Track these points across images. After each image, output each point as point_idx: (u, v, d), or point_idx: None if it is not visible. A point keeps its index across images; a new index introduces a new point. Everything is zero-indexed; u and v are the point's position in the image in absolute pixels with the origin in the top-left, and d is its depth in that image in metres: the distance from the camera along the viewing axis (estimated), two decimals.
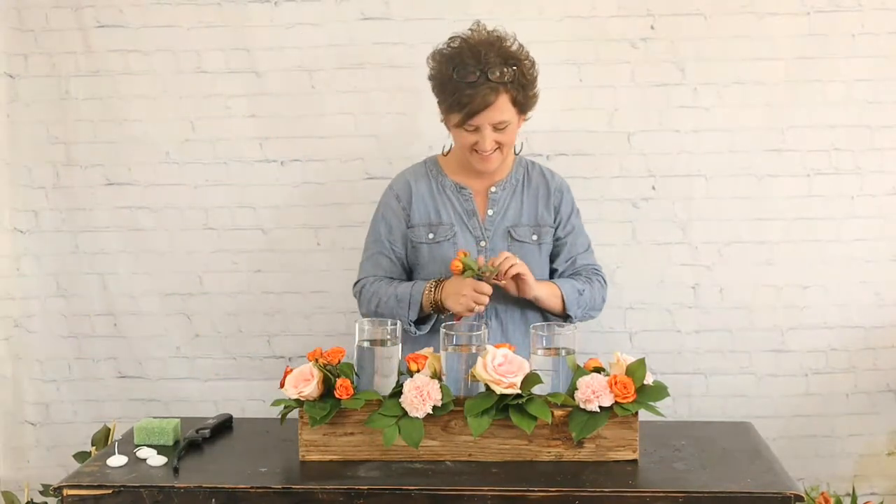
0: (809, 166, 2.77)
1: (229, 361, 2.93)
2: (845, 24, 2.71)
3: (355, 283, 2.36)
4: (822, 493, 2.50)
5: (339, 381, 1.85)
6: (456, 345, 1.89)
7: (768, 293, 2.82)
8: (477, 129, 2.15)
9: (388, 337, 1.93)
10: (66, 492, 1.78)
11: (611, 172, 2.80)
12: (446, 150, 2.35)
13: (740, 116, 2.76)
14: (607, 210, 2.81)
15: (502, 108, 2.13)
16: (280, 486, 1.76)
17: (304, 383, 1.87)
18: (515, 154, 2.35)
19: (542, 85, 2.75)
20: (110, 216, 2.88)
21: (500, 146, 2.19)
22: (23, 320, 2.92)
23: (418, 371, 1.89)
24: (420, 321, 2.25)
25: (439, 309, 2.19)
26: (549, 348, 1.90)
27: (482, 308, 2.14)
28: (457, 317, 2.16)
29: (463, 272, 2.10)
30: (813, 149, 2.77)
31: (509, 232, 2.28)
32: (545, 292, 2.22)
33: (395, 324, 1.94)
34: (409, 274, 2.35)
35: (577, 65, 2.77)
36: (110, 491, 1.78)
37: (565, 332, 1.92)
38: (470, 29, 2.20)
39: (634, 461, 1.86)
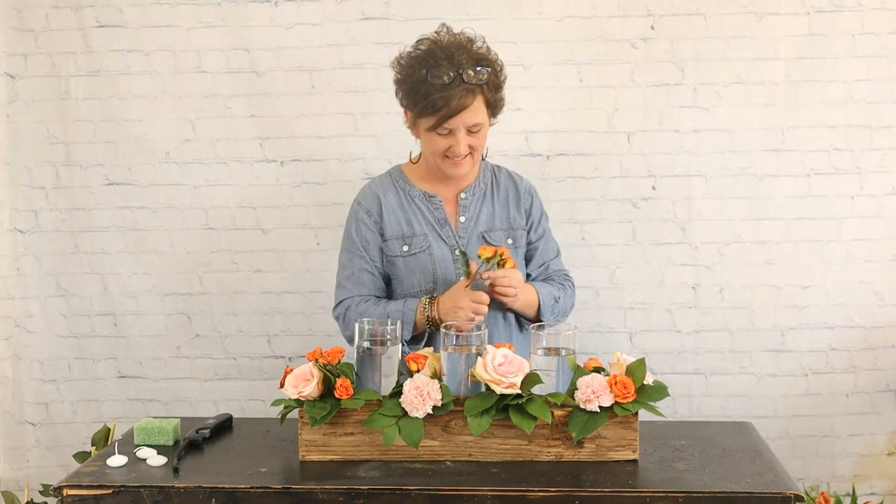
0: (809, 166, 2.78)
1: (229, 361, 2.93)
2: (845, 24, 2.71)
3: (336, 306, 2.27)
4: (822, 493, 2.50)
5: (339, 381, 1.85)
6: (456, 345, 1.89)
7: (768, 293, 2.82)
8: (451, 133, 2.10)
9: (388, 337, 1.93)
10: (66, 492, 1.78)
11: (611, 172, 2.80)
12: (414, 157, 2.29)
13: (740, 116, 2.76)
14: (607, 210, 2.81)
15: (477, 110, 2.09)
16: (280, 486, 1.76)
17: (304, 383, 1.87)
18: (483, 158, 2.28)
19: (543, 85, 2.79)
20: (110, 216, 2.88)
21: (472, 150, 2.14)
22: (23, 320, 2.92)
23: (418, 371, 1.89)
24: (413, 339, 2.20)
25: (434, 325, 2.13)
26: (549, 348, 1.90)
27: (482, 318, 2.09)
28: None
29: (466, 273, 2.08)
30: (813, 149, 2.77)
31: (484, 237, 2.24)
32: (522, 302, 2.17)
33: (395, 324, 1.94)
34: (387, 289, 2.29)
35: (577, 65, 2.77)
36: (110, 491, 1.78)
37: (565, 332, 1.92)
38: (436, 31, 2.16)
39: (634, 461, 1.86)
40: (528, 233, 2.30)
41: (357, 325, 1.93)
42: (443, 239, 2.23)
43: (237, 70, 2.81)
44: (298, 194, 2.86)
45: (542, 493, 1.72)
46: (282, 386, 1.90)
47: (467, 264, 2.10)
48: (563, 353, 1.89)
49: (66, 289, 2.92)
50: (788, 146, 2.77)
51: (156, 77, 2.83)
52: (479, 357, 1.85)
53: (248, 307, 2.91)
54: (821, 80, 2.74)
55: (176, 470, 1.85)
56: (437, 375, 1.88)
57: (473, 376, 1.85)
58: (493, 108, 2.16)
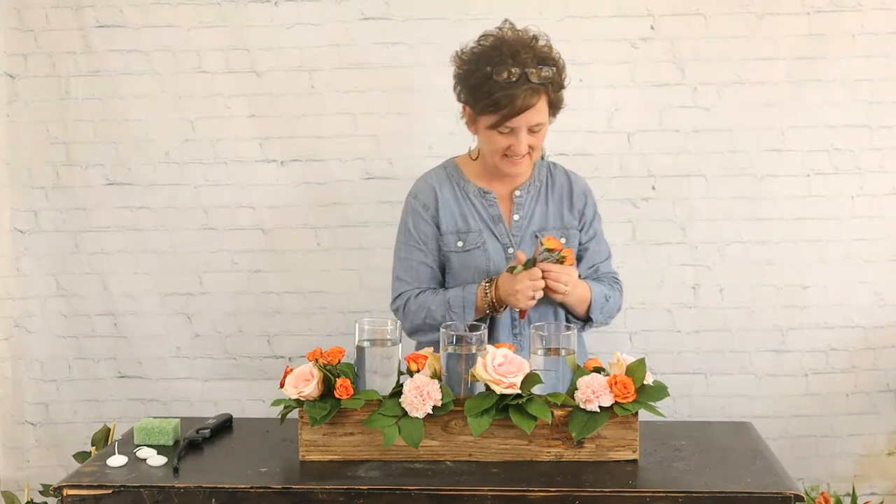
0: (809, 166, 2.77)
1: (229, 361, 2.93)
2: (845, 24, 2.71)
3: (395, 299, 2.26)
4: (822, 493, 2.50)
5: (339, 381, 1.85)
6: (456, 345, 1.89)
7: (768, 293, 2.82)
8: (512, 132, 2.07)
9: (388, 337, 1.93)
10: (66, 492, 1.78)
11: (611, 172, 2.80)
12: (473, 154, 2.25)
13: (740, 116, 2.76)
14: (607, 210, 2.79)
15: (540, 109, 2.07)
16: (280, 486, 1.76)
17: (304, 383, 1.87)
18: (542, 157, 2.26)
19: None
20: (110, 216, 2.88)
21: (531, 150, 2.12)
22: (23, 320, 2.92)
23: (418, 371, 1.89)
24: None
25: (495, 308, 2.13)
26: (549, 348, 1.90)
27: (540, 294, 2.07)
28: (521, 313, 2.14)
29: (513, 269, 2.08)
30: (813, 149, 2.77)
31: (537, 236, 2.20)
32: (574, 297, 2.16)
33: (395, 323, 1.94)
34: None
35: (577, 65, 2.76)
36: (110, 491, 1.78)
37: (565, 332, 1.92)
38: (499, 28, 2.13)
39: (634, 461, 1.86)
40: (580, 233, 2.27)
41: (357, 325, 1.93)
42: (496, 236, 2.22)
43: (237, 70, 2.81)
44: (298, 194, 2.86)
45: (542, 493, 1.72)
46: (282, 386, 1.90)
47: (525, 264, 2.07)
48: (563, 353, 1.89)
49: (66, 289, 2.92)
50: (788, 146, 2.77)
51: (156, 77, 2.83)
52: (479, 357, 1.85)
53: (248, 307, 2.90)
54: (821, 80, 2.74)
55: (176, 470, 1.85)
56: (437, 375, 1.88)
57: (473, 376, 1.85)
58: (555, 107, 2.13)
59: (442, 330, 1.90)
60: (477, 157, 2.24)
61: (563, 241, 2.20)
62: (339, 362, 1.90)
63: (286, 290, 2.89)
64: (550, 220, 2.24)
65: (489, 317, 2.19)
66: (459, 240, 2.21)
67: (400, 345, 1.94)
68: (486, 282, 2.15)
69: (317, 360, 1.88)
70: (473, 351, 1.88)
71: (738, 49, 2.74)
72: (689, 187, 2.80)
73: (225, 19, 2.80)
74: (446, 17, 2.73)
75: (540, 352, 1.90)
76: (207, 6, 2.79)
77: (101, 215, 2.88)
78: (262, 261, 2.89)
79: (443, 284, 2.27)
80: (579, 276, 2.25)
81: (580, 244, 2.27)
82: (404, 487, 1.75)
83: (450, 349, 1.89)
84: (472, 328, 1.90)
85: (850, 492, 2.73)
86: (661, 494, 1.72)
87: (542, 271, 2.06)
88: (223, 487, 1.76)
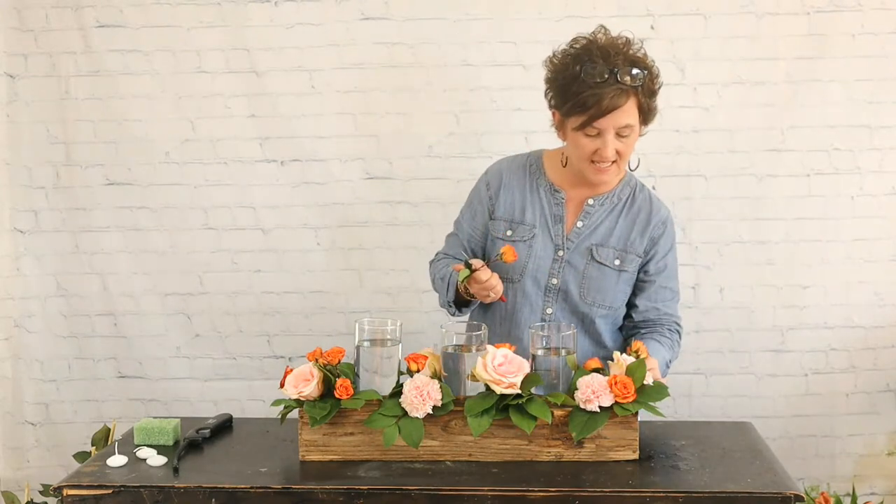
0: (809, 166, 2.77)
1: (229, 361, 2.93)
2: (845, 24, 2.71)
3: (436, 255, 2.31)
4: (822, 493, 2.50)
5: (339, 381, 1.85)
6: (456, 345, 1.89)
7: (768, 293, 2.82)
8: (599, 135, 2.01)
9: (388, 337, 1.93)
10: (66, 492, 1.78)
11: None
12: (563, 160, 2.16)
13: (740, 116, 2.76)
14: None
15: (629, 112, 2.00)
16: (280, 486, 1.76)
17: (304, 383, 1.87)
18: (631, 169, 2.19)
19: (542, 85, 2.77)
20: (110, 216, 2.88)
21: (619, 157, 2.04)
22: (23, 320, 2.92)
23: (418, 371, 1.89)
24: (464, 304, 2.17)
25: (471, 296, 2.10)
26: (549, 348, 1.90)
27: (497, 292, 2.05)
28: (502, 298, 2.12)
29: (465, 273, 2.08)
30: (813, 149, 2.77)
31: (591, 250, 2.13)
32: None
33: (395, 323, 1.94)
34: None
35: None
36: (110, 491, 1.78)
37: (565, 332, 1.92)
38: (593, 32, 2.09)
39: (634, 461, 1.86)
40: (648, 263, 2.16)
41: (357, 325, 1.94)
42: (550, 236, 2.16)
43: (237, 70, 2.81)
44: (298, 194, 2.86)
45: (542, 493, 1.72)
46: (282, 386, 1.90)
47: (469, 266, 2.08)
48: (563, 353, 1.89)
49: (66, 289, 2.92)
50: (788, 146, 2.77)
51: (156, 77, 2.82)
52: (479, 357, 1.85)
53: (248, 307, 2.90)
54: (821, 80, 2.74)
55: (176, 470, 1.85)
56: (437, 375, 1.89)
57: (473, 376, 1.85)
58: (646, 114, 2.06)
59: (442, 330, 1.90)
60: (566, 165, 2.16)
61: (615, 263, 2.15)
62: (339, 362, 1.90)
63: (286, 290, 2.90)
64: (614, 238, 2.15)
65: (474, 303, 2.18)
66: (509, 229, 2.17)
67: (400, 345, 1.94)
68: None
69: (317, 360, 1.89)
70: (473, 351, 1.88)
71: (738, 49, 2.74)
72: (689, 187, 2.80)
73: (225, 19, 2.80)
74: (446, 17, 2.73)
75: (540, 352, 1.90)
76: (207, 6, 2.79)
77: (101, 215, 2.88)
78: (262, 261, 2.89)
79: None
80: (634, 306, 2.19)
81: (646, 273, 2.17)
82: (404, 487, 1.75)
83: (450, 349, 1.89)
84: (473, 328, 1.91)
85: (850, 492, 2.73)
86: (661, 494, 1.72)
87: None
88: (223, 487, 1.76)
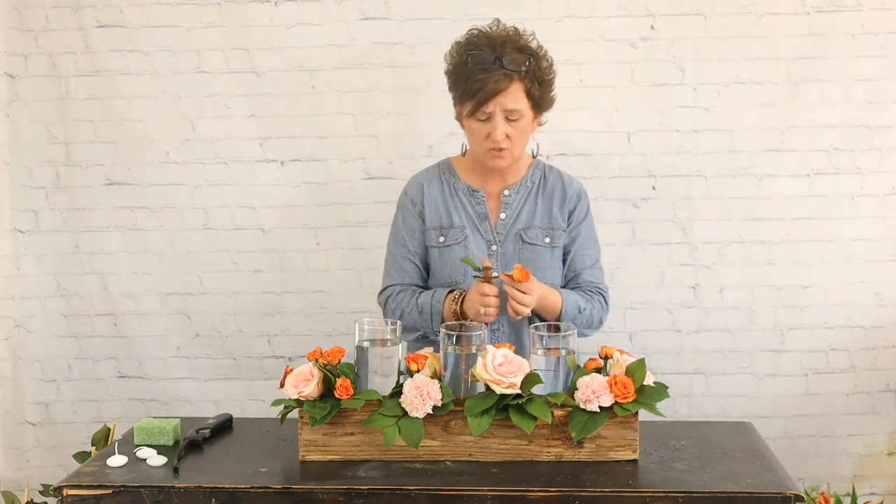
0: (809, 166, 2.77)
1: (229, 361, 2.93)
2: (845, 24, 2.71)
3: (381, 292, 2.32)
4: (822, 493, 2.50)
5: (339, 381, 1.85)
6: (456, 345, 1.89)
7: (768, 293, 2.82)
8: (489, 119, 2.11)
9: (388, 337, 1.93)
10: (66, 492, 1.78)
11: (611, 172, 2.80)
12: (464, 149, 2.29)
13: (740, 116, 2.76)
14: (607, 210, 2.81)
15: (515, 95, 2.10)
16: (280, 486, 1.76)
17: (304, 383, 1.87)
18: (534, 157, 2.31)
19: None
20: (110, 216, 2.88)
21: (511, 141, 2.13)
22: (23, 320, 2.92)
23: (418, 371, 1.89)
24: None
25: (461, 318, 2.13)
26: (549, 348, 1.90)
27: (492, 311, 2.08)
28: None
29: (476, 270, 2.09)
30: (813, 149, 2.77)
31: (520, 235, 2.23)
32: (543, 306, 2.15)
33: (395, 324, 1.94)
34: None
35: (577, 65, 2.77)
36: (110, 491, 1.78)
37: (565, 332, 1.92)
38: (489, 25, 2.18)
39: (634, 461, 1.86)
40: (566, 233, 2.27)
41: (357, 325, 1.94)
42: (480, 234, 2.24)
43: (237, 70, 2.81)
44: (298, 194, 2.86)
45: (542, 493, 1.72)
46: (282, 386, 1.90)
47: (477, 268, 2.09)
48: (563, 353, 1.89)
49: (66, 289, 2.92)
50: (788, 146, 2.77)
51: (156, 77, 2.83)
52: (479, 357, 1.85)
53: (248, 307, 2.90)
54: (821, 80, 2.74)
55: (176, 470, 1.85)
56: (437, 375, 1.88)
57: (473, 376, 1.85)
58: (537, 101, 2.15)
59: (442, 330, 1.90)
60: (465, 153, 2.28)
61: (545, 241, 2.23)
62: (339, 362, 1.90)
63: (286, 290, 2.89)
64: (537, 219, 2.25)
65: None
66: (441, 235, 2.25)
67: (400, 345, 1.94)
68: (459, 293, 2.17)
69: (317, 360, 1.89)
70: (473, 351, 1.88)
71: (738, 49, 2.74)
72: (689, 187, 2.80)
73: (225, 19, 2.80)
74: (446, 17, 2.73)
75: (540, 352, 1.90)
76: (207, 6, 2.79)
77: (101, 215, 2.88)
78: (262, 261, 2.89)
79: (427, 281, 2.30)
80: (562, 285, 2.27)
81: (564, 245, 2.28)
82: (404, 487, 1.75)
83: (450, 349, 1.89)
84: (472, 328, 1.90)
85: (850, 492, 2.73)
86: (661, 494, 1.72)
87: (508, 293, 2.07)
88: (223, 487, 1.76)
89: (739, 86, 2.75)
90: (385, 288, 2.31)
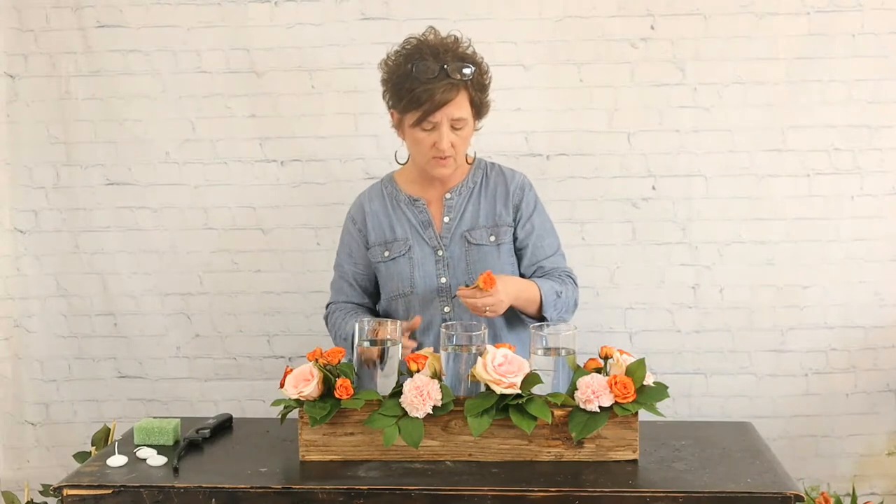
0: (809, 166, 2.77)
1: (229, 361, 2.93)
2: (845, 24, 2.71)
3: (326, 306, 2.38)
4: (822, 493, 2.50)
5: (339, 381, 1.85)
6: (456, 345, 1.89)
7: (768, 293, 2.82)
8: (435, 128, 2.11)
9: (389, 337, 1.93)
10: (66, 492, 1.78)
11: (611, 172, 2.80)
12: (403, 160, 2.28)
13: (740, 116, 2.76)
14: (607, 210, 2.81)
15: (461, 105, 2.11)
16: (280, 486, 1.76)
17: (304, 383, 1.87)
18: (469, 162, 2.29)
19: (542, 85, 2.78)
20: (110, 216, 2.88)
21: (455, 149, 2.14)
22: (23, 320, 2.92)
23: (418, 371, 1.89)
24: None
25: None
26: (549, 348, 1.90)
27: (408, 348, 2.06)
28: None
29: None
30: (813, 149, 2.77)
31: (465, 237, 2.23)
32: (522, 300, 2.15)
33: (395, 324, 1.94)
34: (378, 295, 2.34)
35: (577, 65, 2.77)
36: (110, 491, 1.78)
37: (565, 332, 1.92)
38: (423, 33, 2.18)
39: (634, 461, 1.86)
40: (516, 229, 2.27)
41: (357, 325, 1.94)
42: (425, 241, 2.25)
43: (237, 70, 2.81)
44: (298, 194, 2.86)
45: (542, 493, 1.72)
46: (282, 386, 1.90)
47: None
48: (563, 353, 1.89)
49: (66, 289, 2.92)
50: (788, 146, 2.77)
51: (156, 77, 2.83)
52: (479, 357, 1.85)
53: (248, 307, 2.91)
54: (821, 80, 2.74)
55: (176, 470, 1.85)
56: (437, 375, 1.89)
57: (473, 376, 1.85)
58: (478, 108, 2.17)
59: (442, 330, 1.90)
60: (406, 162, 2.28)
61: (490, 240, 2.22)
62: (339, 362, 1.90)
63: (286, 290, 2.90)
64: (481, 218, 2.25)
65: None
66: (386, 250, 2.26)
67: (400, 345, 1.94)
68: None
69: (317, 360, 1.89)
70: (473, 351, 1.88)
71: (738, 49, 2.74)
72: (689, 187, 2.80)
73: (225, 19, 2.80)
74: (446, 17, 2.73)
75: (540, 352, 1.90)
76: (207, 6, 2.79)
77: (101, 215, 2.88)
78: (262, 261, 2.89)
79: (372, 297, 2.34)
80: (523, 275, 2.27)
81: (517, 240, 2.27)
82: (404, 487, 1.75)
83: (450, 349, 1.89)
84: (472, 328, 1.90)
85: (850, 492, 2.73)
86: (661, 494, 1.72)
87: (462, 298, 2.07)
88: (223, 487, 1.76)
89: (739, 86, 2.75)
90: (328, 305, 2.38)
